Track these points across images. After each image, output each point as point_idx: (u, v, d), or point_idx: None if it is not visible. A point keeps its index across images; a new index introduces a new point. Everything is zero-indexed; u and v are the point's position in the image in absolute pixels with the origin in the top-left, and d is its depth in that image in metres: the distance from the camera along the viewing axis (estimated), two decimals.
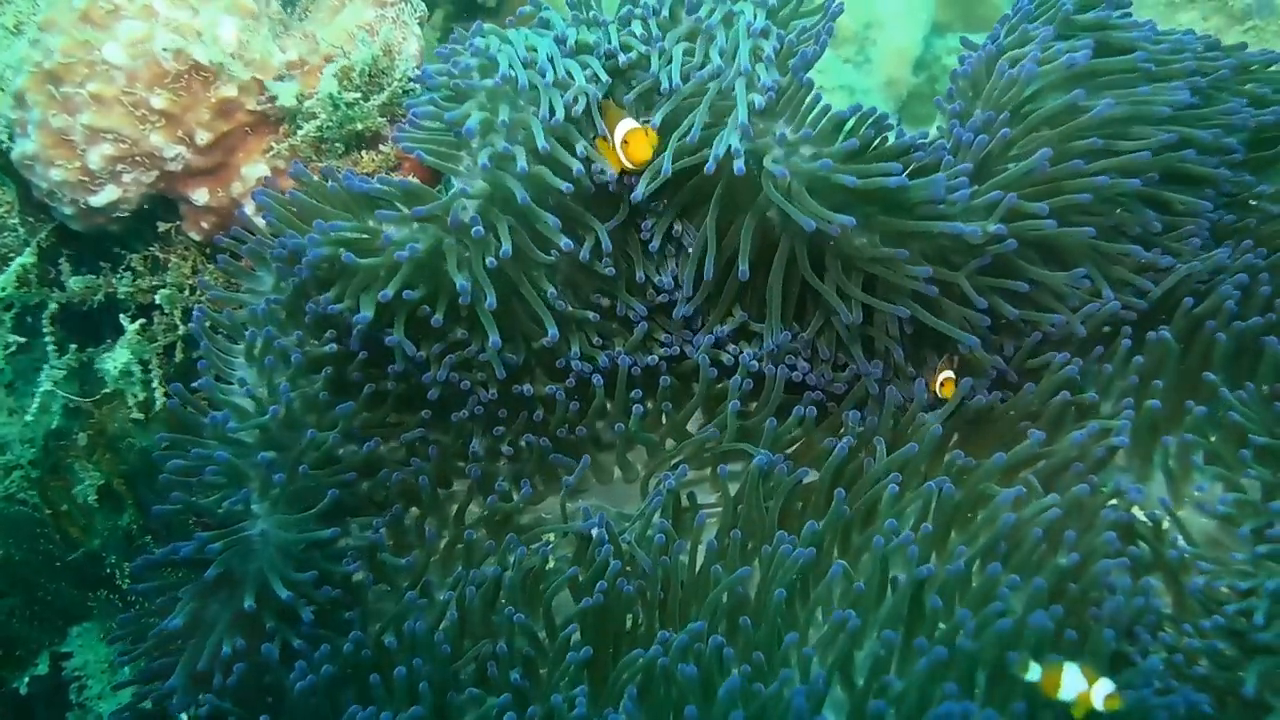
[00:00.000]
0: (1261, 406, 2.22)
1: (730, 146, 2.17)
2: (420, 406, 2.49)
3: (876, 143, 2.30)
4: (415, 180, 2.35)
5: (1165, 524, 2.21)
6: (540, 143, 2.23)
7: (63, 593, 3.40)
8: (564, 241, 2.25)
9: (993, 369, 2.41)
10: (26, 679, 3.33)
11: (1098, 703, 1.79)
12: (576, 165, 2.27)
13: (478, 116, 2.25)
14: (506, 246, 2.21)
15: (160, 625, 2.22)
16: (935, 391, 2.38)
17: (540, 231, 2.28)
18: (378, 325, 2.30)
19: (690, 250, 2.43)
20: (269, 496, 2.21)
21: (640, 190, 2.29)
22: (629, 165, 2.29)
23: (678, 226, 2.46)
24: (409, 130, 2.35)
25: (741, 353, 2.50)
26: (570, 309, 2.41)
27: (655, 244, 2.44)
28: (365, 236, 2.27)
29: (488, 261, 2.23)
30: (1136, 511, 2.21)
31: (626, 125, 2.29)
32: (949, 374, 2.38)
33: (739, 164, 2.17)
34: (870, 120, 2.26)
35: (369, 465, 2.44)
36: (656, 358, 2.53)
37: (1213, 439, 2.25)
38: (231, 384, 2.33)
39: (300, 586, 2.17)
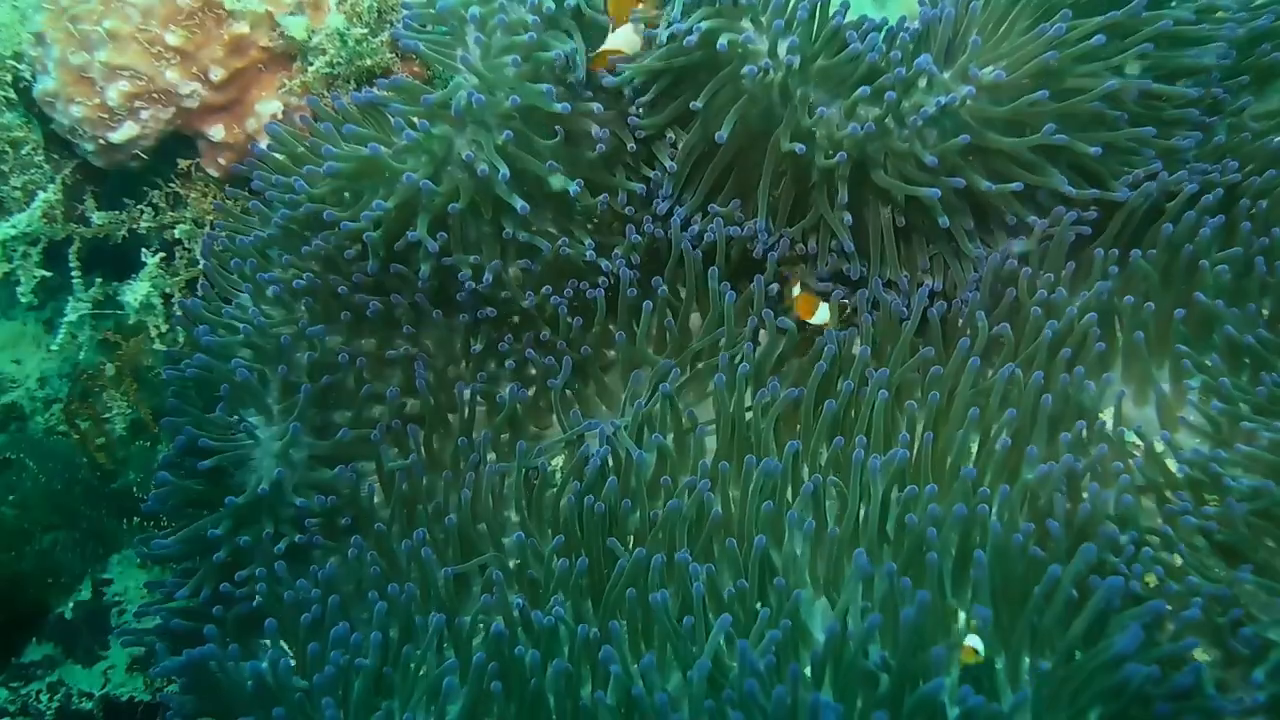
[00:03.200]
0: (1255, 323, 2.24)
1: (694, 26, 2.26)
2: (421, 336, 2.58)
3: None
4: (411, 79, 2.41)
5: (1159, 446, 2.24)
6: (533, 23, 2.28)
7: (103, 522, 3.55)
8: (560, 105, 2.28)
9: (973, 278, 2.47)
10: (71, 604, 3.49)
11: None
12: (570, 46, 2.32)
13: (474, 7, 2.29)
14: (516, 97, 2.25)
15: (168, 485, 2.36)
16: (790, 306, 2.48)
17: (539, 106, 2.31)
18: (397, 231, 2.36)
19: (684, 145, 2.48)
20: (264, 409, 2.32)
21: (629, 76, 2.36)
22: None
23: (670, 135, 2.50)
24: (409, 26, 2.39)
25: (726, 227, 2.53)
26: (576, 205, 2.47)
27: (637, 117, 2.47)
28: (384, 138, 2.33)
29: (502, 136, 2.27)
30: (1126, 432, 2.23)
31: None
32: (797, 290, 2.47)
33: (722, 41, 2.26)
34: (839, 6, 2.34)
35: (362, 380, 2.52)
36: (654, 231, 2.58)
37: (1206, 360, 2.27)
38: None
39: (301, 492, 2.30)
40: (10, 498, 3.69)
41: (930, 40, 2.36)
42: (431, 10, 2.33)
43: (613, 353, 2.61)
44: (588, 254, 2.47)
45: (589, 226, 2.50)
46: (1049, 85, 2.28)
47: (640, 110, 2.46)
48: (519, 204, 2.28)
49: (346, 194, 2.37)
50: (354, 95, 2.42)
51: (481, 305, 2.50)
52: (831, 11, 2.35)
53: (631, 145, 2.52)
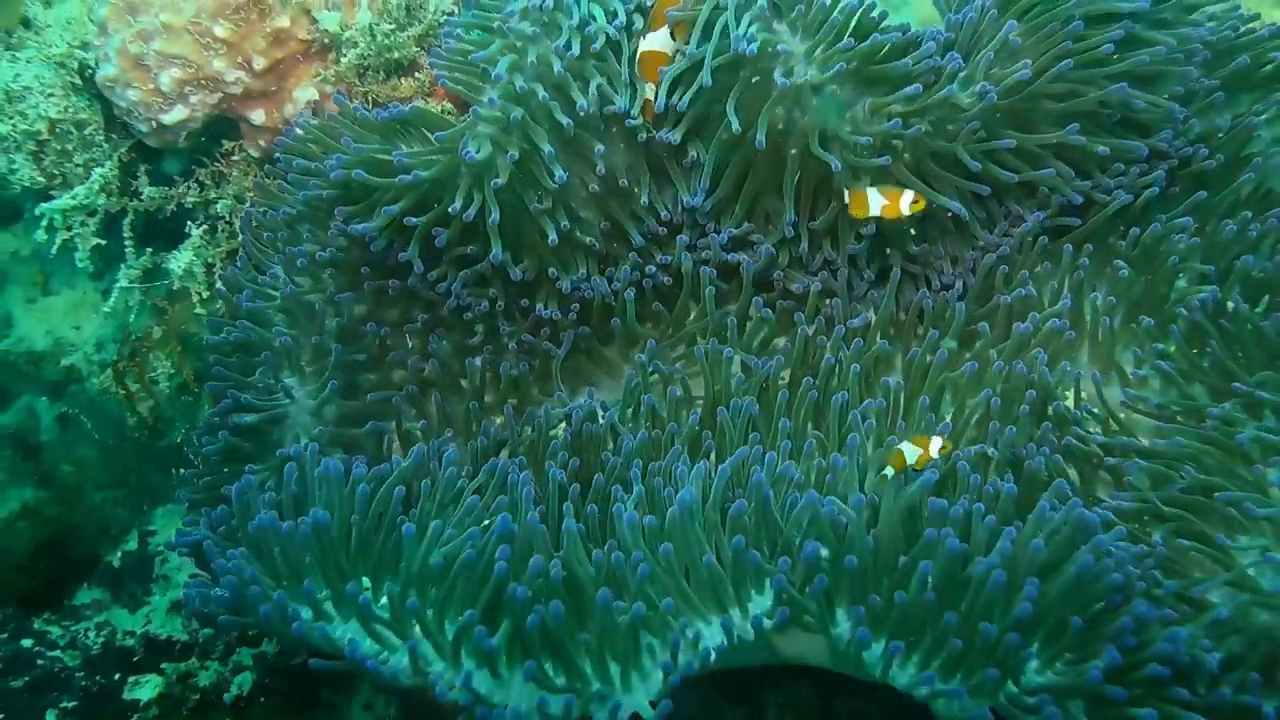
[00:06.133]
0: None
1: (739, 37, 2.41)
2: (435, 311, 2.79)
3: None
4: (426, 106, 2.65)
5: (1113, 425, 2.42)
6: (557, 69, 2.47)
7: (150, 478, 3.83)
8: (559, 174, 2.50)
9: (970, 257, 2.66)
10: (119, 554, 3.76)
11: (934, 451, 2.17)
12: (582, 101, 2.49)
13: (504, 57, 2.48)
14: (514, 152, 2.46)
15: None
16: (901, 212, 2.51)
17: (544, 162, 2.52)
18: (396, 242, 2.59)
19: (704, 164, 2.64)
20: (298, 370, 2.56)
21: (661, 100, 2.51)
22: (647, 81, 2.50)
23: (693, 153, 2.67)
24: (441, 59, 2.61)
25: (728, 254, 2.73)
26: (574, 235, 2.66)
27: (676, 138, 2.60)
28: (386, 159, 2.54)
29: (493, 183, 2.48)
30: (1069, 408, 2.43)
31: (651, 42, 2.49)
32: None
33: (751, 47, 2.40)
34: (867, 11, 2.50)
35: (385, 348, 2.76)
36: (654, 268, 2.76)
37: (1171, 348, 2.45)
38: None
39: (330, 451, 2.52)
40: (69, 456, 3.99)
41: (955, 42, 2.56)
42: (466, 46, 2.55)
43: (615, 321, 2.79)
44: (565, 285, 2.67)
45: (577, 259, 2.71)
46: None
47: (671, 122, 2.60)
48: (494, 252, 2.51)
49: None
50: (378, 113, 2.63)
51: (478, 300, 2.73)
52: (864, 16, 2.50)
53: (644, 199, 2.69)
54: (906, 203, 2.40)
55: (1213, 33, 2.63)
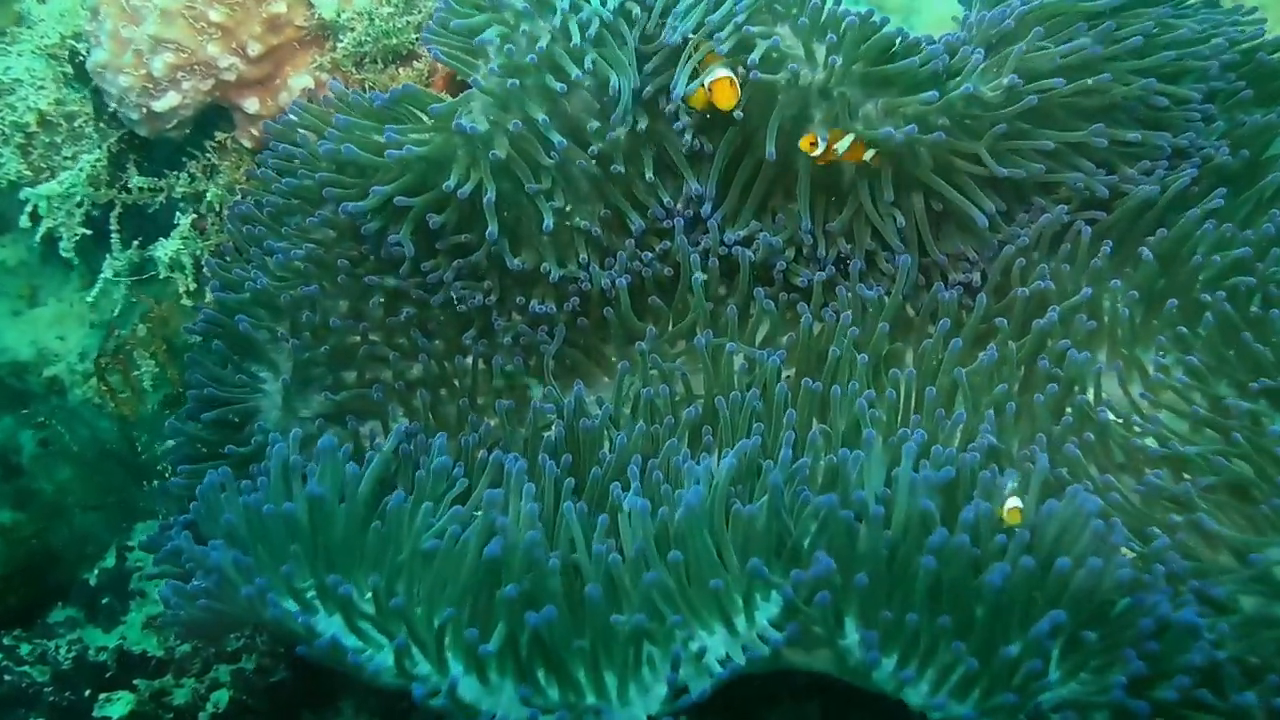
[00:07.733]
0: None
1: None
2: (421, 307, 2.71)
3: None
4: (418, 87, 2.59)
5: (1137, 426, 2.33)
6: (545, 44, 2.40)
7: (131, 493, 3.71)
8: (557, 140, 2.42)
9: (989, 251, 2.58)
10: (96, 572, 3.63)
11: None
12: (576, 72, 2.42)
13: (495, 29, 2.43)
14: (515, 122, 2.39)
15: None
16: None
17: (541, 133, 2.44)
18: (388, 228, 2.52)
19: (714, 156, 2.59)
20: (272, 365, 2.52)
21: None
22: (720, 108, 2.41)
23: (696, 142, 2.60)
24: (434, 35, 2.55)
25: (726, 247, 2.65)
26: (572, 221, 2.59)
27: (687, 138, 2.58)
28: (379, 139, 2.48)
29: (491, 155, 2.41)
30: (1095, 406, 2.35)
31: (718, 73, 2.41)
32: None
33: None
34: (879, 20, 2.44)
35: (370, 345, 2.67)
36: (651, 254, 2.68)
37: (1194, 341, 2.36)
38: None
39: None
40: (49, 477, 3.88)
41: (970, 41, 2.51)
42: (455, 21, 2.48)
43: (608, 311, 2.71)
44: (554, 275, 2.59)
45: (576, 247, 2.63)
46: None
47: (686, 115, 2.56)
48: (492, 229, 2.44)
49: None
50: (374, 95, 2.57)
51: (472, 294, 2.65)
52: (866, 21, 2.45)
53: (649, 175, 2.62)
54: (843, 145, 2.41)
55: (1239, 30, 2.60)
